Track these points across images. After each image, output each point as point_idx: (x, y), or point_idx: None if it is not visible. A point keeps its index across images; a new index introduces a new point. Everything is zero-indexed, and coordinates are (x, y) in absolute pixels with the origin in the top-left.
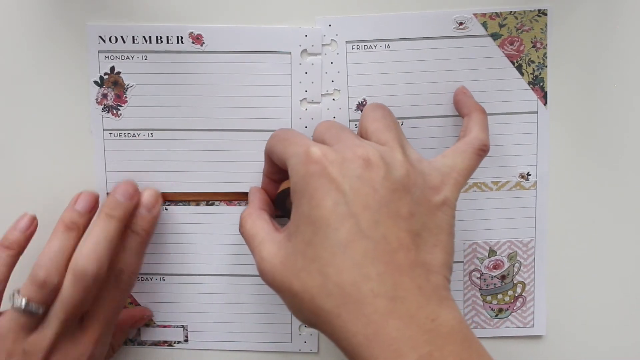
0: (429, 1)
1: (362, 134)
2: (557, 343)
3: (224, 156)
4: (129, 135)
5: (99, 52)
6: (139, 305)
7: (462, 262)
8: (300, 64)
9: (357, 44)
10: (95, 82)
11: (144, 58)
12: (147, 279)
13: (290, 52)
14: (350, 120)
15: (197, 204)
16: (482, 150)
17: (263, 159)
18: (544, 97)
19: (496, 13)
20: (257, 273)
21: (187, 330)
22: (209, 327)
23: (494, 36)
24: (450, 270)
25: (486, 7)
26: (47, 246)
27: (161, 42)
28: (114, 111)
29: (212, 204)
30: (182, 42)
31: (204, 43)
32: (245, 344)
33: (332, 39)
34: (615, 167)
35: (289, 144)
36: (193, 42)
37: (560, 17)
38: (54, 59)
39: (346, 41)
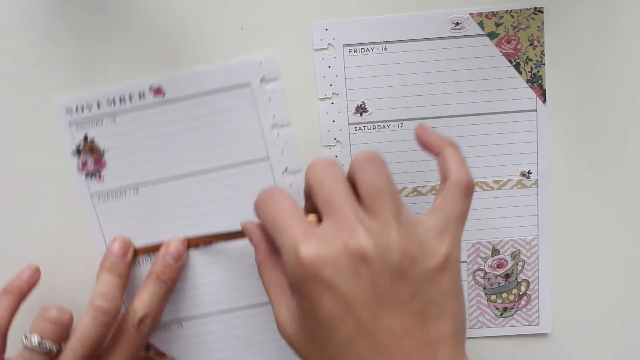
0: (425, 2)
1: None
2: (562, 341)
3: (211, 196)
4: (116, 195)
5: (70, 123)
6: (164, 355)
7: (465, 261)
8: (262, 92)
9: (354, 47)
10: (73, 152)
11: (113, 120)
12: (166, 327)
13: (249, 83)
14: (349, 124)
15: (196, 247)
16: (469, 189)
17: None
18: (542, 95)
19: (492, 12)
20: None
21: None
22: None
23: (491, 35)
24: (461, 332)
25: (482, 7)
26: None
27: (124, 102)
28: (97, 176)
29: (210, 244)
30: (144, 97)
31: (165, 94)
32: None
33: (329, 43)
34: (617, 163)
35: (278, 228)
36: (155, 95)
37: (556, 15)
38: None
39: (343, 45)
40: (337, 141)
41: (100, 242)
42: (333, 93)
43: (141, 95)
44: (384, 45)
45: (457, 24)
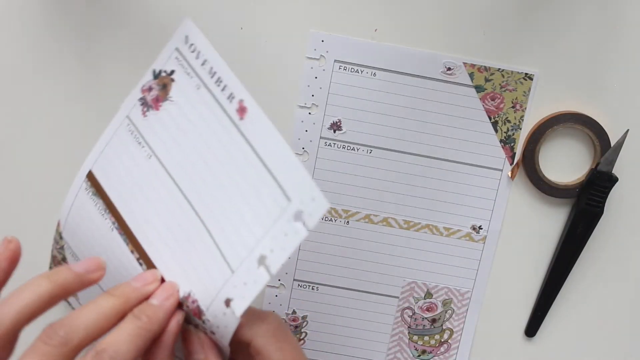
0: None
1: None
2: None
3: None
4: None
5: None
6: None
7: (397, 297)
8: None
9: (345, 65)
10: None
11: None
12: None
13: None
14: (321, 137)
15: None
16: None
17: None
18: (512, 157)
19: (485, 67)
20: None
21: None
22: None
23: (478, 88)
24: None
25: (477, 59)
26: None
27: None
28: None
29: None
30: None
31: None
32: None
33: (321, 55)
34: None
35: None
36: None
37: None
38: None
39: (335, 60)
40: (305, 151)
41: None
42: (313, 104)
43: None
44: (374, 71)
45: (449, 69)
